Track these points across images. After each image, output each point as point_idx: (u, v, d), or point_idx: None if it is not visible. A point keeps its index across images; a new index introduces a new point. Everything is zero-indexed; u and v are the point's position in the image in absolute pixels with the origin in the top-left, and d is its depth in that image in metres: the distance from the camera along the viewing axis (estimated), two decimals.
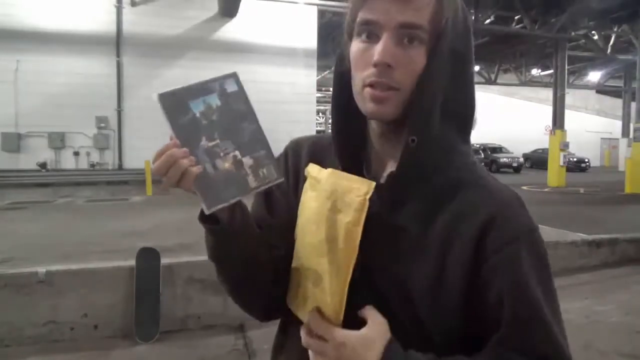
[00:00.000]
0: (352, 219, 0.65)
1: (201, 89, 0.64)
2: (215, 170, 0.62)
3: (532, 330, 0.63)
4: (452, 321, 0.65)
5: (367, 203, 0.64)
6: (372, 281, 0.67)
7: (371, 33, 0.64)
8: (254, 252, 0.71)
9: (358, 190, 0.65)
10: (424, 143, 0.65)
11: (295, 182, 0.80)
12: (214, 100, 0.64)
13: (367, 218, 0.64)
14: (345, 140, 0.73)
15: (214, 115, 0.64)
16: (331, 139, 0.75)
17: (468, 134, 0.71)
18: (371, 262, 0.67)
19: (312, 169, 0.73)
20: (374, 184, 0.65)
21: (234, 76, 0.66)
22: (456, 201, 0.67)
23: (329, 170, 0.70)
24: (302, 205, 0.74)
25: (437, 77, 0.64)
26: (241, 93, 0.66)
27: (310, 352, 0.66)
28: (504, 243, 0.64)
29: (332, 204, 0.68)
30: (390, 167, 0.71)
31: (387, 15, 0.62)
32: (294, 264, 0.73)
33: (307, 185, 0.75)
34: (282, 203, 0.78)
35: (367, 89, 0.65)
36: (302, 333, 0.66)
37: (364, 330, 0.62)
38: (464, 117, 0.70)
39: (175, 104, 0.62)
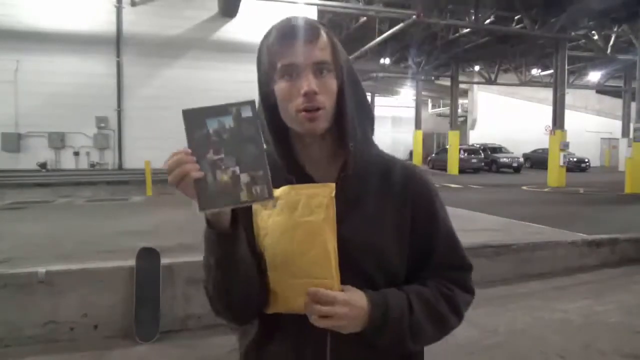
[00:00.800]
0: (325, 215, 0.84)
1: (220, 110, 0.75)
2: (214, 180, 0.74)
3: (451, 251, 0.97)
4: (404, 264, 0.93)
5: (334, 200, 0.84)
6: (348, 254, 0.86)
7: (292, 73, 0.84)
8: (250, 254, 0.86)
9: (323, 192, 0.85)
10: (358, 144, 0.89)
11: None
12: (228, 121, 0.75)
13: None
14: (290, 157, 0.91)
15: (225, 134, 0.75)
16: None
17: (373, 131, 0.98)
18: (345, 239, 0.86)
19: None
20: (334, 185, 0.85)
21: (251, 104, 0.76)
22: (390, 181, 0.94)
23: (285, 187, 0.87)
24: (264, 225, 0.88)
25: (349, 96, 0.88)
26: (254, 119, 0.76)
27: (317, 322, 0.81)
28: (426, 200, 0.95)
29: (301, 211, 0.84)
30: (327, 168, 0.92)
31: (303, 58, 0.84)
32: (275, 275, 0.86)
33: (256, 208, 0.89)
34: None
35: (302, 114, 0.84)
36: (311, 306, 0.81)
37: (350, 291, 0.84)
38: (370, 120, 0.96)
39: (194, 119, 0.75)
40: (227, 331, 3.88)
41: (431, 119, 35.11)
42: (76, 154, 11.68)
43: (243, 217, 0.86)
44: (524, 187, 14.84)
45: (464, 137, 28.28)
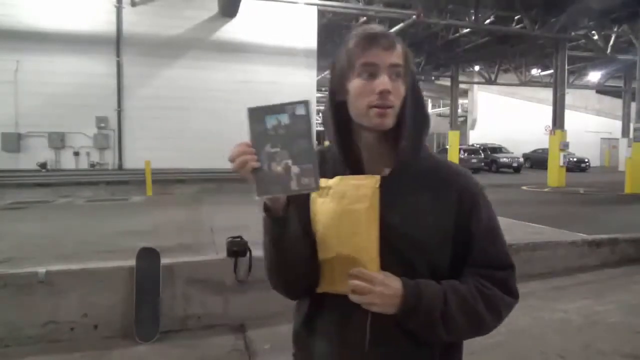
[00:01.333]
0: (370, 204, 0.93)
1: (277, 109, 0.85)
2: (269, 170, 0.85)
3: (492, 249, 1.01)
4: (448, 258, 0.99)
5: (378, 190, 0.94)
6: (392, 242, 0.95)
7: (370, 73, 0.95)
8: (301, 234, 0.97)
9: (368, 183, 0.95)
10: (410, 144, 0.98)
11: None
12: (284, 119, 0.85)
13: (380, 199, 0.95)
14: (348, 151, 1.01)
15: (281, 129, 0.85)
16: (321, 152, 1.05)
17: (427, 134, 1.05)
18: (390, 228, 0.95)
19: None
20: (379, 177, 0.95)
21: (305, 103, 0.86)
22: (436, 178, 1.01)
23: (336, 177, 0.98)
24: (318, 211, 0.99)
25: (411, 102, 0.98)
26: (307, 117, 0.86)
27: (354, 297, 0.91)
28: (470, 197, 1.01)
29: (349, 199, 0.95)
30: (381, 163, 1.00)
31: (382, 59, 0.95)
32: (324, 257, 0.97)
33: (314, 196, 0.99)
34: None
35: (373, 109, 0.95)
36: (352, 283, 0.90)
37: (387, 276, 0.93)
38: (427, 126, 1.04)
39: (256, 116, 0.86)
40: (227, 331, 3.88)
41: (431, 119, 35.05)
42: (76, 154, 11.67)
43: (301, 204, 0.98)
44: (524, 187, 14.84)
45: (464, 137, 28.27)
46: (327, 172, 1.00)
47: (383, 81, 0.93)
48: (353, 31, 1.01)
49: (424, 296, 0.92)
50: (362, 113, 0.96)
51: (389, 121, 0.96)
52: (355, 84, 0.96)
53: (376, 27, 1.00)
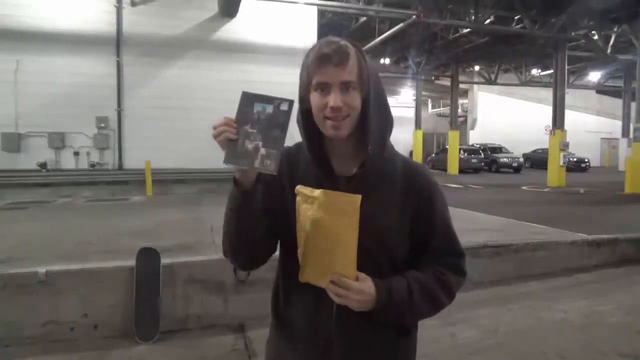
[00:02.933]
0: (351, 221, 1.03)
1: (266, 99, 1.00)
2: (242, 146, 0.98)
3: (447, 239, 1.16)
4: (405, 249, 1.13)
5: (359, 210, 1.02)
6: (363, 241, 1.04)
7: (323, 89, 1.04)
8: (259, 212, 1.08)
9: (350, 202, 1.03)
10: (376, 147, 1.08)
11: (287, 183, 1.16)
12: (269, 109, 0.99)
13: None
14: (317, 153, 1.11)
15: (263, 116, 0.99)
16: (297, 149, 1.17)
17: (391, 133, 1.14)
18: (360, 228, 1.03)
19: (303, 189, 1.07)
20: (360, 196, 1.02)
21: (290, 101, 1.00)
22: (399, 177, 1.13)
23: (322, 190, 1.04)
24: (302, 215, 1.07)
25: (373, 107, 1.06)
26: (288, 113, 0.99)
27: (333, 297, 1.03)
28: (427, 192, 1.14)
29: (332, 214, 1.02)
30: (348, 163, 1.11)
31: (333, 78, 1.03)
32: (305, 255, 1.07)
33: (299, 199, 1.08)
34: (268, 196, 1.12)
35: (328, 121, 1.04)
36: (332, 287, 1.03)
37: (363, 280, 1.04)
38: (390, 124, 1.13)
39: (247, 100, 1.00)
40: (227, 331, 3.88)
41: (431, 119, 35.07)
42: (76, 154, 11.65)
43: (269, 191, 1.09)
44: (524, 187, 14.85)
45: (464, 137, 28.27)
46: (300, 173, 1.13)
47: (334, 98, 1.02)
48: (315, 43, 1.09)
49: (394, 294, 1.05)
50: (320, 123, 1.06)
51: (344, 131, 1.05)
52: (313, 98, 1.06)
53: (332, 41, 1.05)
